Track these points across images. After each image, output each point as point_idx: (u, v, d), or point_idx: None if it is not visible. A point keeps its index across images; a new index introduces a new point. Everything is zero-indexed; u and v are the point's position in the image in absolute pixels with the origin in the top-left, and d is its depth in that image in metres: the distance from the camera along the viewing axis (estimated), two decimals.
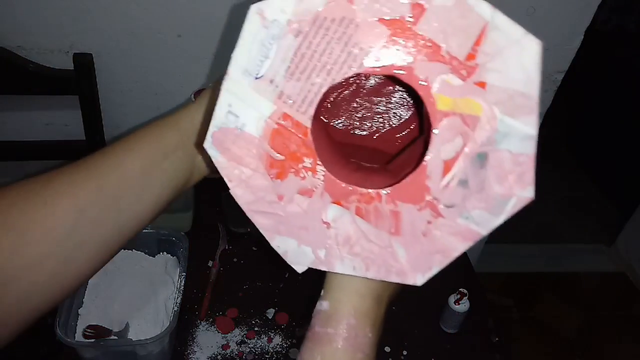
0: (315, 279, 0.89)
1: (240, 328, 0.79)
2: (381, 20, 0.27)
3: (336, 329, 0.33)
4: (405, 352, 0.78)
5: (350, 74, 0.29)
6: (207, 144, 0.31)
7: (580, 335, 1.69)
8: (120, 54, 0.93)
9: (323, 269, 0.33)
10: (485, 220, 0.30)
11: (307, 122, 0.30)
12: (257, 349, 0.76)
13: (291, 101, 0.30)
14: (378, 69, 0.28)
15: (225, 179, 0.31)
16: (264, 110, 0.30)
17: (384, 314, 0.35)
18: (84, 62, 0.90)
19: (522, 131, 0.28)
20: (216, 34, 0.95)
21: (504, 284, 1.82)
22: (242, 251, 0.91)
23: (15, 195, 0.35)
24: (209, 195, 0.97)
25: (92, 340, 0.68)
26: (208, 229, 0.94)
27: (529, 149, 0.28)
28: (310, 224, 0.32)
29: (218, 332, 0.78)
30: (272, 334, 0.78)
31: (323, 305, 0.34)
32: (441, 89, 0.28)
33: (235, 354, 0.75)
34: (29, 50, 0.90)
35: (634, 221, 1.90)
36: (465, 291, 0.78)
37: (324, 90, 0.29)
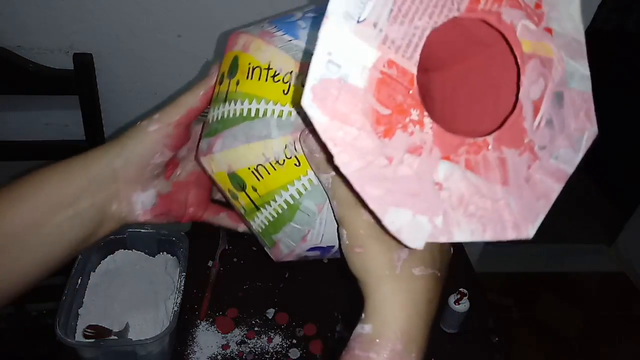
0: (316, 279, 0.90)
1: (240, 328, 0.79)
2: None
3: (379, 354, 0.30)
4: None
5: (450, 16, 0.28)
6: (306, 101, 0.26)
7: (580, 335, 1.69)
8: (120, 54, 0.93)
9: (442, 240, 0.28)
10: (569, 157, 0.31)
11: (413, 69, 0.27)
12: (257, 349, 0.76)
13: (396, 46, 0.27)
14: (472, 14, 0.29)
15: (329, 144, 0.26)
16: (368, 58, 0.26)
17: (428, 336, 0.32)
18: (84, 62, 0.90)
19: (582, 72, 0.31)
20: (216, 34, 0.95)
21: (504, 284, 1.82)
22: (242, 251, 0.91)
23: None
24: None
25: (92, 340, 0.68)
26: (208, 229, 0.93)
27: (588, 87, 0.31)
28: (423, 187, 0.28)
29: (218, 332, 0.78)
30: (272, 334, 0.78)
31: (365, 328, 0.31)
32: (522, 33, 0.30)
33: (235, 354, 0.75)
34: (29, 50, 0.90)
35: (634, 221, 1.90)
36: (465, 291, 0.78)
37: (427, 33, 0.27)
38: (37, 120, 1.00)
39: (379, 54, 0.26)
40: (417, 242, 0.28)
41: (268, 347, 0.77)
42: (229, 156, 0.36)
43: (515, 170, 0.29)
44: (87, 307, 0.73)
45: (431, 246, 0.31)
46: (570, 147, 0.31)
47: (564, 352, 1.65)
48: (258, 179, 0.35)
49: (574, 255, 1.98)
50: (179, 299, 0.69)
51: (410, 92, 0.27)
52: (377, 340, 0.30)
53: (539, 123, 0.30)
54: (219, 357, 0.75)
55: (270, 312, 0.81)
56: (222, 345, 0.76)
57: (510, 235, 0.30)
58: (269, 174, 0.34)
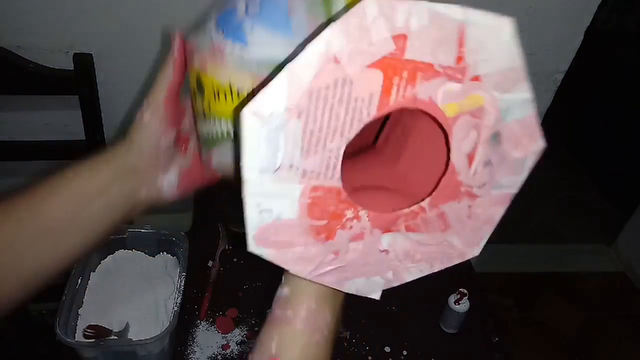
0: None
1: (240, 328, 0.79)
2: (370, 65, 0.28)
3: (295, 311, 0.33)
4: (405, 352, 0.78)
5: (362, 126, 0.29)
6: (252, 248, 0.31)
7: (580, 335, 1.69)
8: (120, 54, 0.93)
9: (396, 284, 0.35)
10: (513, 182, 0.33)
11: (338, 184, 0.31)
12: None
13: (316, 173, 0.30)
14: (386, 111, 0.29)
15: (282, 266, 0.32)
16: (294, 194, 0.30)
17: (343, 297, 0.36)
18: (84, 62, 0.90)
19: (521, 99, 0.31)
20: None
21: (504, 284, 1.82)
22: (242, 251, 0.91)
23: None
24: (209, 196, 0.96)
25: (92, 340, 0.68)
26: (208, 229, 0.94)
27: (530, 110, 0.31)
28: (371, 259, 0.33)
29: (218, 332, 0.78)
30: None
31: (283, 291, 0.35)
32: (444, 100, 0.30)
33: (235, 354, 0.75)
34: (28, 50, 0.90)
35: (634, 221, 1.90)
36: (465, 291, 0.78)
37: (342, 151, 0.30)
38: (37, 120, 1.00)
39: (302, 186, 0.30)
40: (375, 294, 0.34)
41: None
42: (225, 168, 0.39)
43: (456, 216, 0.33)
44: (87, 307, 0.73)
45: None
46: (512, 174, 0.33)
47: (564, 352, 1.65)
48: None
49: (574, 255, 1.98)
50: (179, 299, 0.69)
51: (342, 197, 0.31)
52: (293, 300, 0.34)
53: (475, 170, 0.32)
54: (219, 357, 0.75)
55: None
56: (222, 345, 0.76)
57: (456, 261, 0.34)
58: None
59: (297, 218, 0.31)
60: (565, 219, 2.14)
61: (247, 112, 0.27)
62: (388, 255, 0.34)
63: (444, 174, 0.32)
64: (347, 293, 0.35)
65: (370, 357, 0.77)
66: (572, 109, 2.36)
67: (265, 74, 0.33)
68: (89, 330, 0.69)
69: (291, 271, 0.32)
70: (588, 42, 1.02)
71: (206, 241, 0.91)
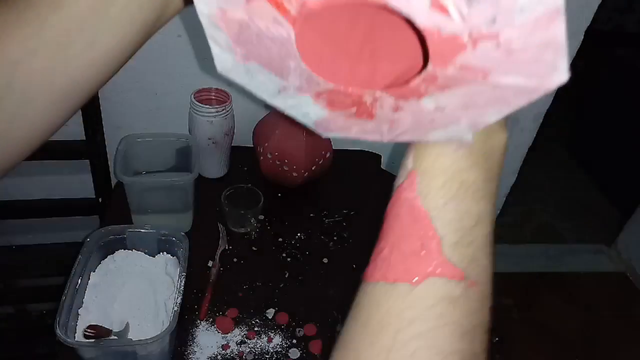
0: (316, 279, 0.90)
1: (240, 328, 0.79)
2: None
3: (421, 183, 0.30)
4: None
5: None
6: (321, 133, 0.30)
7: (580, 335, 1.69)
8: None
9: (481, 126, 0.29)
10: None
11: (330, 86, 0.29)
12: (257, 349, 0.76)
13: (304, 88, 0.29)
14: None
15: (360, 137, 0.30)
16: (308, 102, 0.30)
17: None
18: None
19: None
20: None
21: (504, 284, 1.82)
22: (242, 251, 0.91)
23: None
24: (209, 195, 0.97)
25: (92, 340, 0.68)
26: (208, 229, 0.94)
27: None
28: (428, 117, 0.29)
29: (218, 332, 0.78)
30: (272, 334, 0.78)
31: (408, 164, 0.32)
32: None
33: (235, 354, 0.75)
34: None
35: (634, 221, 1.91)
36: None
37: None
38: None
39: (309, 95, 0.29)
40: (466, 136, 0.29)
41: (268, 347, 0.77)
42: None
43: (486, 60, 0.25)
44: (87, 307, 0.73)
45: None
46: None
47: (564, 352, 1.65)
48: None
49: (574, 255, 1.98)
50: (179, 299, 0.69)
51: (348, 91, 0.29)
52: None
53: (458, 10, 0.24)
54: (219, 357, 0.75)
55: (270, 312, 0.81)
56: (222, 345, 0.76)
57: (535, 95, 0.26)
58: None
59: (329, 113, 0.29)
60: (565, 219, 2.14)
61: None
62: (445, 111, 0.28)
63: (423, 42, 0.26)
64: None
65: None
66: (572, 109, 2.36)
67: None
68: (89, 330, 0.69)
69: (370, 139, 0.31)
70: (588, 42, 1.02)
71: (206, 241, 0.91)
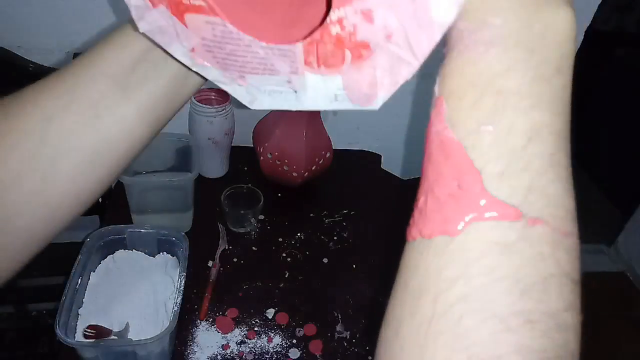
0: (316, 279, 0.90)
1: (240, 328, 0.79)
2: None
3: (450, 35, 0.24)
4: None
5: None
6: None
7: (580, 335, 1.69)
8: None
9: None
10: None
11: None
12: (257, 349, 0.76)
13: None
14: None
15: None
16: None
17: None
18: None
19: None
20: None
21: None
22: (242, 251, 0.91)
23: None
24: (209, 195, 0.97)
25: (92, 340, 0.68)
26: (208, 229, 0.94)
27: None
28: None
29: (218, 332, 0.78)
30: (272, 334, 0.78)
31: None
32: None
33: (235, 354, 0.75)
34: (28, 50, 0.90)
35: (634, 221, 1.90)
36: None
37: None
38: None
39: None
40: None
41: (268, 347, 0.77)
42: None
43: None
44: (87, 307, 0.73)
45: None
46: None
47: None
48: None
49: None
50: (179, 299, 0.69)
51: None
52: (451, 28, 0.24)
53: None
54: (219, 357, 0.75)
55: (270, 312, 0.81)
56: (222, 345, 0.76)
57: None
58: None
59: (343, 80, 0.26)
60: None
61: None
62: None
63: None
64: None
65: (370, 357, 0.77)
66: (572, 109, 2.36)
67: None
68: (89, 330, 0.69)
69: (405, 77, 0.25)
70: (588, 42, 1.02)
71: (206, 241, 0.91)
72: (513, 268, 0.22)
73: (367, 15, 0.24)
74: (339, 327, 0.81)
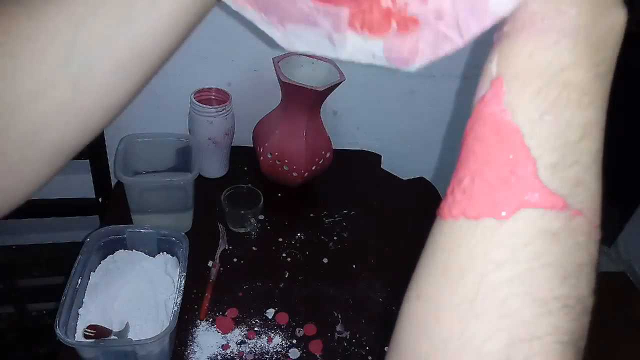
0: (316, 279, 0.90)
1: (240, 328, 0.79)
2: None
3: (514, 19, 0.24)
4: None
5: None
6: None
7: None
8: None
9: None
10: None
11: None
12: (257, 349, 0.76)
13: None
14: None
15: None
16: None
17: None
18: None
19: None
20: (216, 33, 0.95)
21: None
22: (242, 251, 0.91)
23: (10, 14, 0.29)
24: (209, 195, 0.97)
25: (92, 340, 0.68)
26: (208, 229, 0.94)
27: None
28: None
29: (218, 332, 0.78)
30: (272, 334, 0.78)
31: (504, 28, 0.25)
32: None
33: (235, 354, 0.75)
34: None
35: (634, 221, 1.91)
36: None
37: None
38: None
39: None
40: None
41: (268, 347, 0.77)
42: None
43: None
44: (87, 307, 0.73)
45: None
46: None
47: None
48: None
49: None
50: (179, 299, 0.69)
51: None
52: (515, 10, 0.24)
53: None
54: (219, 357, 0.75)
55: (270, 312, 0.81)
56: (222, 345, 0.76)
57: None
58: None
59: (384, 41, 0.27)
60: None
61: None
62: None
63: None
64: None
65: (370, 357, 0.77)
66: None
67: None
68: (89, 330, 0.69)
69: (453, 48, 0.26)
70: None
71: (206, 241, 0.91)
72: (557, 255, 0.23)
73: None
74: (339, 327, 0.81)
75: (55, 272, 1.13)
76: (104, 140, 1.00)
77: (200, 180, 0.95)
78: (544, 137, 0.23)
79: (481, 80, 0.26)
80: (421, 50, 0.26)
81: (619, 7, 0.24)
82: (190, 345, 0.75)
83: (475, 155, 0.25)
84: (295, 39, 0.27)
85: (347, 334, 0.80)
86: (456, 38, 0.25)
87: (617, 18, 0.25)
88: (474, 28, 0.25)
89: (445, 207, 0.26)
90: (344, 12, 0.27)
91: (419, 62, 0.27)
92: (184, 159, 0.94)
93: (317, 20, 0.27)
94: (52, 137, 0.31)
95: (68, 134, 0.31)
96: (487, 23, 0.24)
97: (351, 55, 0.28)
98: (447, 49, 0.26)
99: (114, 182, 1.05)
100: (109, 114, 0.33)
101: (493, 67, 0.25)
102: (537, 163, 0.23)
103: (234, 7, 0.28)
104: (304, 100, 0.92)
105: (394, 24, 0.26)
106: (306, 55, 0.97)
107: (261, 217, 0.98)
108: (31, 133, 0.30)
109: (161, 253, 0.81)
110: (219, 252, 0.89)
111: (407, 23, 0.26)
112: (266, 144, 0.97)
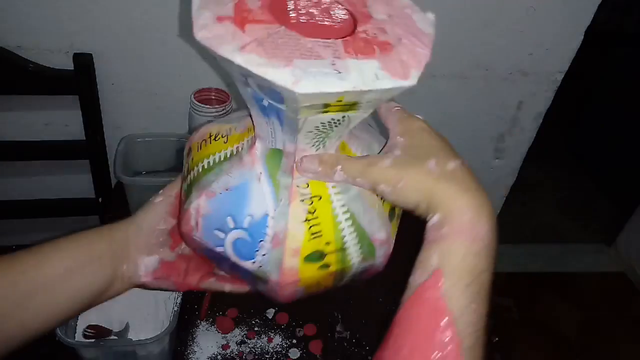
0: None
1: (240, 328, 0.79)
2: None
3: (451, 227, 0.33)
4: None
5: None
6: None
7: (580, 335, 1.69)
8: (120, 54, 0.93)
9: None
10: None
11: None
12: (257, 349, 0.76)
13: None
14: None
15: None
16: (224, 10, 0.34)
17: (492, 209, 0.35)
18: (84, 62, 0.90)
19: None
20: None
21: (504, 284, 1.82)
22: None
23: None
24: None
25: (92, 340, 0.68)
26: None
27: None
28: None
29: (218, 332, 0.78)
30: (272, 334, 0.78)
31: (434, 217, 0.34)
32: None
33: (235, 354, 0.75)
34: (29, 50, 0.90)
35: (634, 221, 1.90)
36: None
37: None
38: (37, 120, 1.00)
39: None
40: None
41: (268, 347, 0.77)
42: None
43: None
44: None
45: (444, 146, 0.36)
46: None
47: (564, 352, 1.65)
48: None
49: (574, 255, 1.98)
50: (179, 299, 0.69)
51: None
52: (446, 220, 0.33)
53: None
54: (219, 357, 0.75)
55: (270, 312, 0.81)
56: (222, 345, 0.76)
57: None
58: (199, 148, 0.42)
59: (378, 62, 0.33)
60: (565, 219, 2.14)
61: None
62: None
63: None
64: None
65: (370, 357, 0.77)
66: (572, 109, 2.36)
67: (236, 120, 0.42)
68: (89, 330, 0.69)
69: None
70: (588, 42, 1.02)
71: None
72: None
73: (382, 29, 0.35)
74: (339, 327, 0.81)
75: None
76: (104, 140, 1.00)
77: None
78: (468, 322, 0.31)
79: (419, 268, 0.33)
80: (407, 61, 0.32)
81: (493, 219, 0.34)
82: (190, 345, 0.75)
83: (414, 331, 0.32)
84: (302, 75, 0.29)
85: (347, 334, 0.80)
86: (422, 49, 0.34)
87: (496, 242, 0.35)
88: (427, 41, 0.35)
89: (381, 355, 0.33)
90: (338, 42, 0.33)
91: (414, 73, 0.32)
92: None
93: (320, 52, 0.31)
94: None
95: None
96: (427, 37, 0.35)
97: (359, 80, 0.30)
98: (422, 57, 0.33)
99: (114, 182, 1.05)
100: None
101: (434, 260, 0.32)
102: (462, 344, 0.30)
103: (237, 61, 0.30)
104: None
105: (376, 48, 0.33)
106: None
107: None
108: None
109: None
110: None
111: (385, 46, 0.33)
112: None
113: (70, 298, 0.40)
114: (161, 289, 0.47)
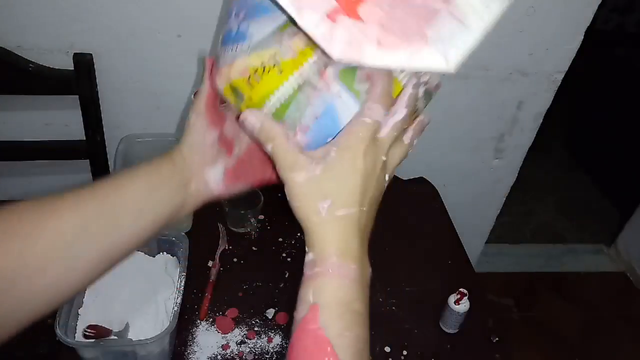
0: None
1: (240, 328, 0.79)
2: None
3: (322, 267, 0.38)
4: (405, 352, 0.78)
5: None
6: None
7: (580, 335, 1.69)
8: (120, 54, 0.93)
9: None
10: None
11: None
12: (257, 349, 0.76)
13: None
14: None
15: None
16: None
17: (366, 248, 0.40)
18: (84, 62, 0.90)
19: None
20: (216, 33, 0.95)
21: (504, 284, 1.82)
22: (242, 251, 0.91)
23: (26, 206, 0.39)
24: None
25: (92, 340, 0.68)
26: (208, 229, 0.94)
27: None
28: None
29: (218, 332, 0.78)
30: (272, 334, 0.78)
31: (309, 256, 0.39)
32: None
33: (235, 354, 0.75)
34: (29, 50, 0.90)
35: (634, 221, 1.90)
36: (465, 291, 0.78)
37: None
38: (37, 120, 1.00)
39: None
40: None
41: (268, 347, 0.77)
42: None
43: None
44: (87, 307, 0.73)
45: (354, 189, 0.39)
46: None
47: (564, 352, 1.65)
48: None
49: (574, 255, 1.98)
50: (179, 299, 0.69)
51: None
52: (318, 260, 0.38)
53: None
54: (219, 357, 0.75)
55: (270, 312, 0.81)
56: (222, 345, 0.76)
57: None
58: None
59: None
60: (565, 219, 2.14)
61: None
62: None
63: None
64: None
65: (370, 357, 0.77)
66: (572, 109, 2.36)
67: (271, 45, 0.40)
68: (89, 330, 0.69)
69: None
70: (588, 42, 1.02)
71: (206, 241, 0.91)
72: None
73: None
74: None
75: None
76: (104, 140, 1.00)
77: None
78: (346, 346, 0.36)
79: (300, 304, 0.38)
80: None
81: (369, 265, 0.40)
82: (190, 345, 0.75)
83: (306, 358, 0.36)
84: (443, 47, 0.36)
85: None
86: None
87: (369, 271, 0.40)
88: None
89: None
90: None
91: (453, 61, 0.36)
92: None
93: (434, 4, 0.37)
94: (35, 309, 0.40)
95: (48, 306, 0.41)
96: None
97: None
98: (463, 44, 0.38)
99: None
100: (79, 290, 0.43)
101: (310, 296, 0.37)
102: None
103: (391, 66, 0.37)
104: None
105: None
106: None
107: (261, 217, 0.98)
108: (24, 303, 0.39)
109: (161, 253, 0.81)
110: (219, 252, 0.89)
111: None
112: None
113: (151, 219, 0.43)
114: (235, 195, 0.49)
